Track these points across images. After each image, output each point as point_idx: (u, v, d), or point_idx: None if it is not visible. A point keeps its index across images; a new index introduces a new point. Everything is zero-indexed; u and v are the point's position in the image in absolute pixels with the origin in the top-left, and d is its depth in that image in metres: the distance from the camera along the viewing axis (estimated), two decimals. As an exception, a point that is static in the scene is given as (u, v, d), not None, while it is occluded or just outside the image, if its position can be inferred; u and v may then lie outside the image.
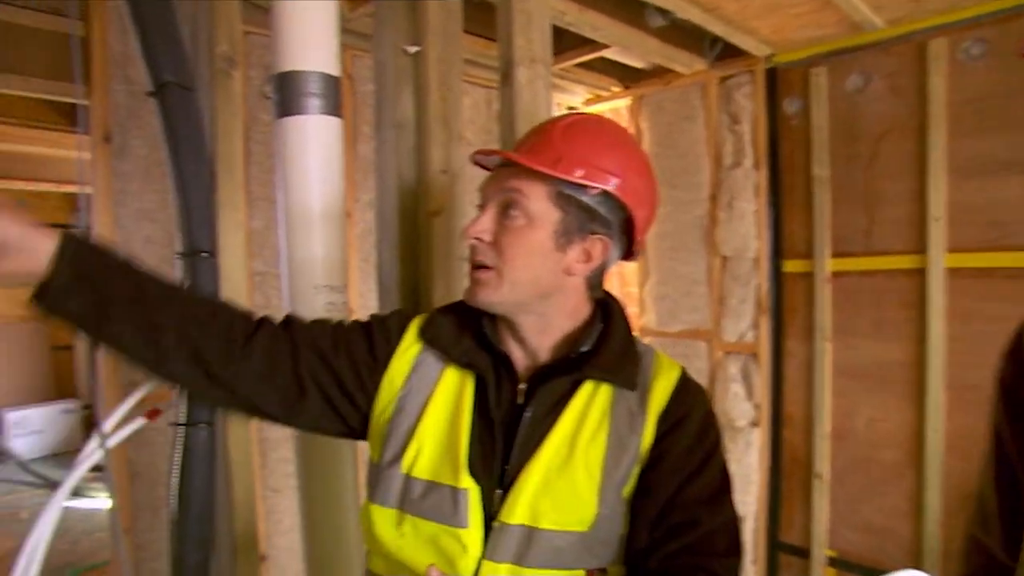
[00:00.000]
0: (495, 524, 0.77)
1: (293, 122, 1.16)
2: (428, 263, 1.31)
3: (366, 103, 2.30)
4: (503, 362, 0.85)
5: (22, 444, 5.12)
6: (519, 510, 0.77)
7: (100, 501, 3.86)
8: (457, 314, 0.90)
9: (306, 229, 1.16)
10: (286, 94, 1.15)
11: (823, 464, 2.50)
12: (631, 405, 0.81)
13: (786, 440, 2.64)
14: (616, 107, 3.05)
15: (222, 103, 1.13)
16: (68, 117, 3.12)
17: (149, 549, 2.00)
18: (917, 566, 2.24)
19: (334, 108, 1.19)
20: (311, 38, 1.15)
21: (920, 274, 2.24)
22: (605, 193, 0.81)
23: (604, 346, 0.84)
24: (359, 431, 0.90)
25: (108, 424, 1.21)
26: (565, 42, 2.44)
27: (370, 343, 0.89)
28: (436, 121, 1.30)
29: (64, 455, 5.16)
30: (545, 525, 0.76)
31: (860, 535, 2.44)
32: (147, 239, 1.92)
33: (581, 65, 2.68)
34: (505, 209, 0.81)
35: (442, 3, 1.31)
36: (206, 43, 1.12)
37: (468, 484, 0.78)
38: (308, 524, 1.21)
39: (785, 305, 2.62)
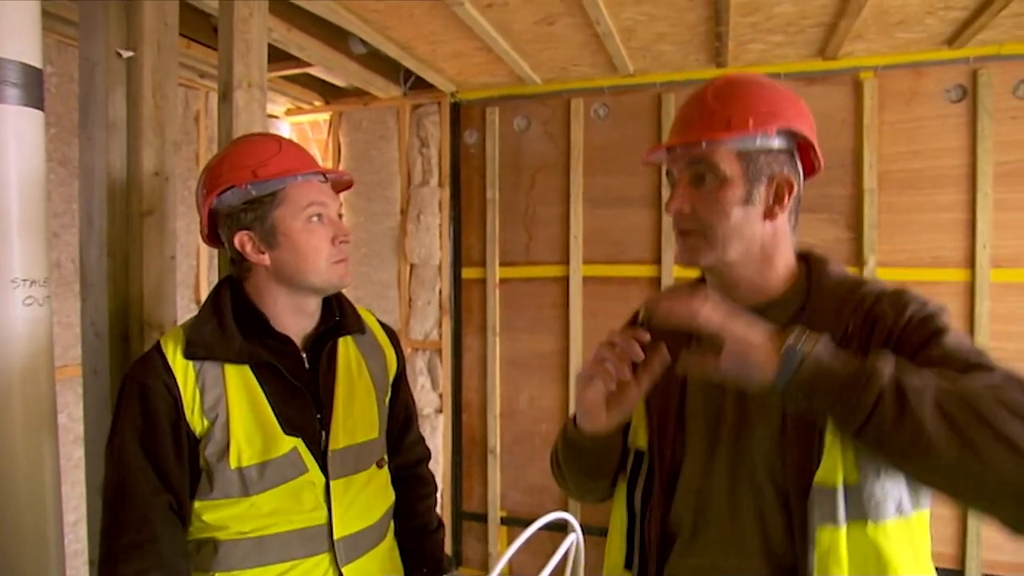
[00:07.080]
0: (330, 454, 1.00)
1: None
2: (139, 260, 1.32)
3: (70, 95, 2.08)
4: (283, 341, 1.02)
5: None
6: (341, 437, 1.02)
7: None
8: (215, 318, 1.01)
9: (3, 221, 1.09)
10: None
11: (495, 440, 2.98)
12: (369, 341, 1.17)
13: (465, 423, 3.06)
14: (316, 120, 3.17)
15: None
16: None
17: None
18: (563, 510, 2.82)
19: (36, 100, 1.15)
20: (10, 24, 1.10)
21: (565, 281, 2.85)
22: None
23: (350, 311, 1.14)
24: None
25: None
26: (271, 56, 2.48)
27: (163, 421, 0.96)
28: (150, 126, 1.32)
29: None
30: (359, 439, 1.05)
31: (524, 495, 2.97)
32: None
33: (286, 78, 2.75)
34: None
35: (158, 12, 1.34)
36: None
37: (292, 442, 0.97)
38: None
39: (463, 306, 3.04)
